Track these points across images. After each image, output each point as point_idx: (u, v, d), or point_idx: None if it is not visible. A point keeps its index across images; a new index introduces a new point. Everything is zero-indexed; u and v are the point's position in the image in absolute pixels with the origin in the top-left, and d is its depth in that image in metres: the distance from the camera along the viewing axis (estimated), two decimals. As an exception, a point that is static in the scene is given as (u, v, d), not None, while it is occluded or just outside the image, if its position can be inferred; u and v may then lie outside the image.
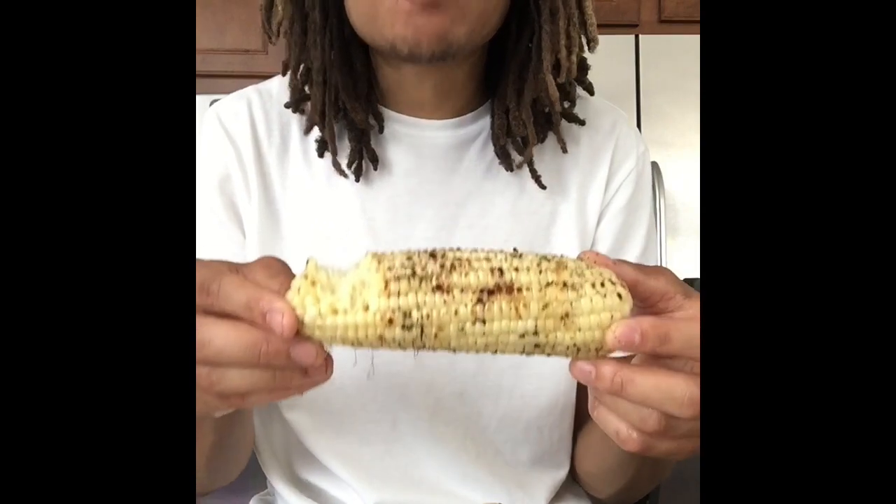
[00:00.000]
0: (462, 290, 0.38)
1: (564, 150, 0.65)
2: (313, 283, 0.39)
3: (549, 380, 0.65)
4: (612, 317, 0.39)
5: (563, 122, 0.67)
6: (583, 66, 0.66)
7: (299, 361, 0.39)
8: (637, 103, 2.22)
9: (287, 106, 0.65)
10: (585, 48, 0.64)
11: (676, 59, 2.21)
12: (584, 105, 0.69)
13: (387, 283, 0.38)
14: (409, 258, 0.39)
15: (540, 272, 0.39)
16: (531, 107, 0.62)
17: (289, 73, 0.64)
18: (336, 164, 0.63)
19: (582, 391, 0.67)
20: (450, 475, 0.64)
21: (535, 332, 0.39)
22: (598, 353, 0.40)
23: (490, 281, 0.39)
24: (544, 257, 0.41)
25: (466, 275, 0.39)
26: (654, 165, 2.14)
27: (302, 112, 0.65)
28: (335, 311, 0.38)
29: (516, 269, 0.39)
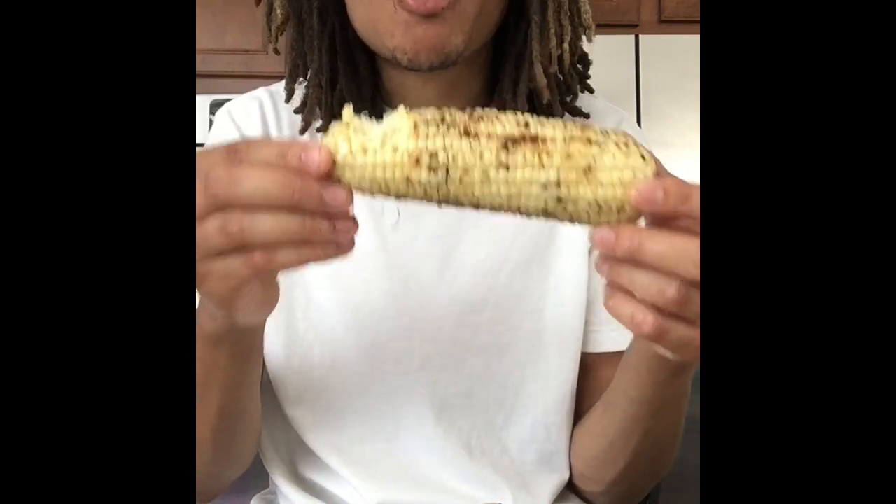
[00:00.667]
0: (488, 137, 0.40)
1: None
2: (347, 126, 0.40)
3: (556, 379, 0.66)
4: (634, 175, 0.40)
5: (568, 117, 0.67)
6: (584, 61, 0.67)
7: (331, 202, 0.39)
8: (637, 103, 2.22)
9: (296, 111, 0.66)
10: (584, 40, 0.64)
11: (676, 59, 2.21)
12: (588, 104, 0.70)
13: (416, 126, 0.40)
14: (440, 110, 0.41)
15: (565, 128, 0.41)
16: (528, 99, 0.63)
17: (293, 80, 0.65)
18: None
19: (579, 391, 0.68)
20: (452, 473, 0.64)
21: (558, 184, 0.40)
22: (620, 216, 0.40)
23: (516, 131, 0.40)
24: (572, 121, 0.42)
25: (493, 124, 0.40)
26: (654, 165, 2.14)
27: (309, 117, 0.66)
28: (365, 151, 0.40)
29: (542, 125, 0.41)
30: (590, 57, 0.67)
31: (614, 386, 0.61)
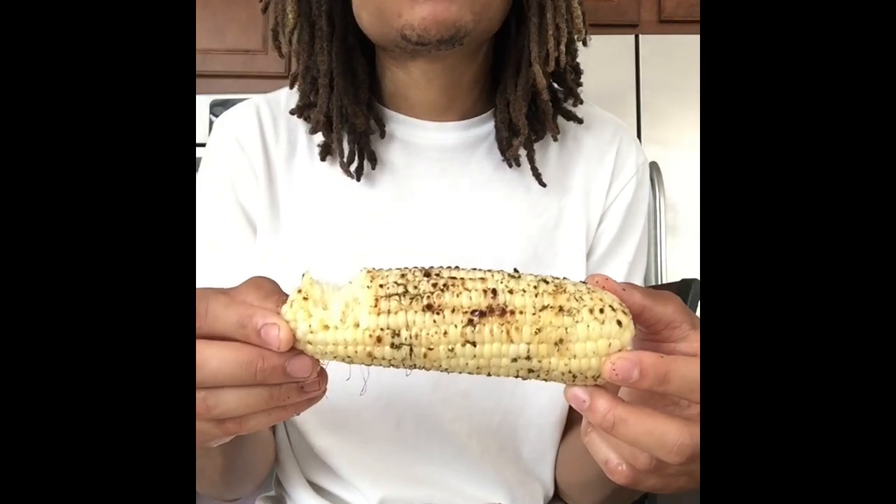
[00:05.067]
0: (453, 311, 0.38)
1: (555, 139, 0.68)
2: (306, 298, 0.39)
3: None
4: (609, 344, 0.38)
5: (563, 122, 0.69)
6: (577, 71, 0.68)
7: (295, 375, 0.38)
8: (637, 103, 2.22)
9: (292, 112, 0.67)
10: (580, 44, 0.65)
11: (676, 59, 2.21)
12: (585, 111, 0.71)
13: (377, 301, 0.38)
14: (403, 275, 0.39)
15: (536, 295, 0.38)
16: (524, 98, 0.64)
17: (297, 82, 0.66)
18: (343, 166, 0.65)
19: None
20: (453, 472, 0.65)
21: (528, 357, 0.38)
22: (596, 380, 0.39)
23: (482, 302, 0.38)
24: (544, 279, 0.40)
25: (458, 295, 0.38)
26: (654, 165, 2.14)
27: (307, 119, 0.67)
28: (326, 327, 0.38)
29: (511, 291, 0.38)
30: (590, 57, 0.69)
31: None
